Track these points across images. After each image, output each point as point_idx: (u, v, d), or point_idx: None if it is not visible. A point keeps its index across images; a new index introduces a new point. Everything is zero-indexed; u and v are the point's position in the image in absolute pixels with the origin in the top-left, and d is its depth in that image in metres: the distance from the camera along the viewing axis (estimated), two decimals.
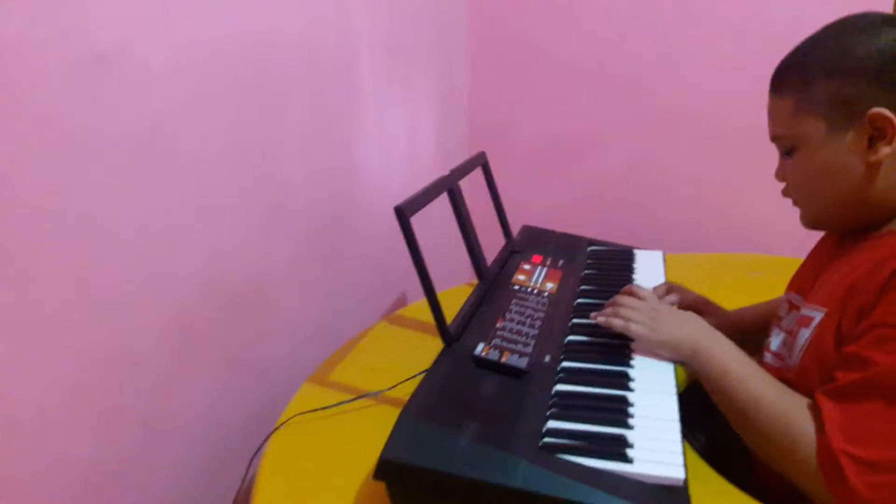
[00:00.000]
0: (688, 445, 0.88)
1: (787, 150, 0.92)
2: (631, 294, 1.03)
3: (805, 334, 0.89)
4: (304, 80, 1.31)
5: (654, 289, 1.16)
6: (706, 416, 0.98)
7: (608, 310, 1.02)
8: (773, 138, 0.94)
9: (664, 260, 1.40)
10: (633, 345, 0.98)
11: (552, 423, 0.81)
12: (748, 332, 1.14)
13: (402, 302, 1.71)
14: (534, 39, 2.09)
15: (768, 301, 1.18)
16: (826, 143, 0.87)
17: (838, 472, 0.73)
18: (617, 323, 0.98)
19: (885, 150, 0.83)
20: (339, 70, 1.44)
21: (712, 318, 1.13)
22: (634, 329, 0.97)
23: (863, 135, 0.84)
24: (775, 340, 0.99)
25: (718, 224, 2.01)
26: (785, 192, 0.96)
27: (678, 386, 0.91)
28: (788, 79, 0.90)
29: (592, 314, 1.03)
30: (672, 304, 1.12)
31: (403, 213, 0.94)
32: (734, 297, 1.24)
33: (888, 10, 1.74)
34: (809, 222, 0.96)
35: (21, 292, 0.81)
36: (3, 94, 0.76)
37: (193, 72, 1.02)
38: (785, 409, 0.82)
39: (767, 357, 1.00)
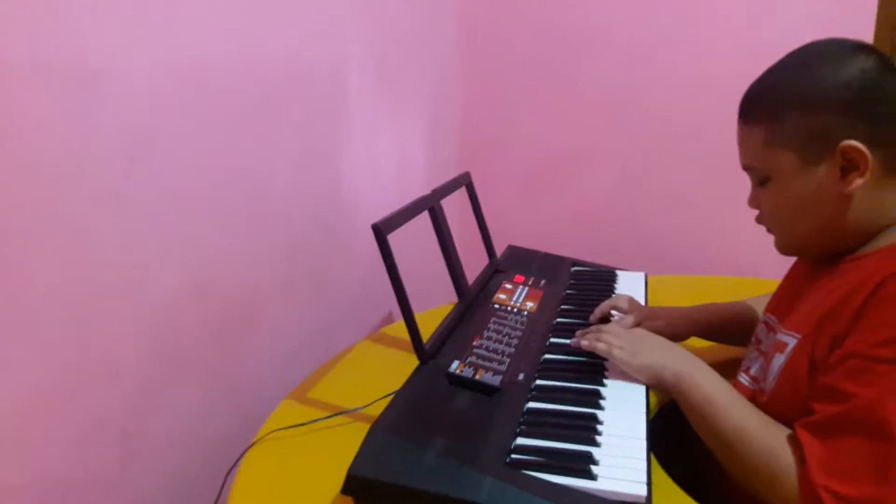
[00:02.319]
0: (661, 469, 0.89)
1: (760, 180, 0.92)
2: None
3: (780, 359, 0.89)
4: (294, 96, 1.33)
5: (601, 306, 1.17)
6: (681, 445, 0.99)
7: (591, 334, 1.03)
8: (746, 168, 0.94)
9: (646, 282, 1.41)
10: (610, 367, 0.99)
11: (520, 440, 0.82)
12: (715, 328, 1.17)
13: (388, 320, 1.72)
14: (524, 60, 2.12)
15: (727, 302, 1.20)
16: (799, 175, 0.87)
17: None
18: (601, 347, 1.00)
19: (858, 182, 0.83)
20: (329, 87, 1.46)
21: (661, 320, 1.14)
22: (617, 354, 0.98)
23: (835, 167, 0.84)
24: (752, 363, 1.00)
25: (706, 246, 2.02)
26: (759, 220, 0.97)
27: (650, 409, 0.92)
28: (758, 110, 0.90)
29: (573, 339, 1.04)
30: (632, 324, 1.13)
31: (381, 231, 0.96)
32: None
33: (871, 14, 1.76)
34: (784, 249, 0.97)
35: (1, 298, 0.82)
36: None
37: (182, 88, 1.05)
38: (768, 442, 0.82)
39: (744, 379, 1.00)
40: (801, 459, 0.77)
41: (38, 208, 0.85)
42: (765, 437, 0.83)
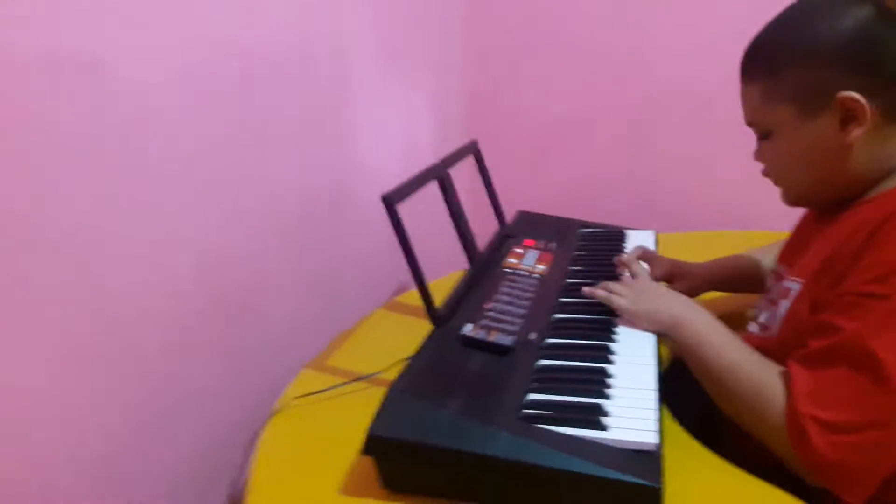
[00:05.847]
0: (673, 420, 0.91)
1: (763, 134, 0.95)
2: (624, 265, 1.13)
3: (784, 305, 0.92)
4: (295, 73, 1.34)
5: (629, 253, 1.21)
6: (694, 397, 1.01)
7: (598, 285, 1.07)
8: (749, 124, 0.97)
9: (656, 240, 1.42)
10: (620, 323, 1.01)
11: (532, 396, 0.84)
12: (724, 281, 1.23)
13: (400, 290, 1.73)
14: (528, 26, 2.11)
15: (731, 255, 1.26)
16: (799, 128, 0.89)
17: (803, 434, 0.76)
18: (600, 294, 1.03)
19: (857, 132, 0.85)
20: (331, 62, 1.46)
21: (686, 280, 1.19)
22: (617, 301, 1.01)
23: (834, 118, 0.85)
24: (761, 312, 1.02)
25: (715, 202, 2.02)
26: (765, 173, 0.99)
27: (661, 363, 0.94)
28: (756, 66, 0.92)
29: (585, 289, 1.07)
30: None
31: (390, 201, 0.97)
32: None
33: None
34: (790, 201, 0.99)
35: (18, 287, 0.84)
36: None
37: (183, 70, 1.05)
38: (758, 376, 0.85)
39: (753, 327, 1.02)
40: (789, 390, 0.80)
41: (47, 200, 0.86)
42: (756, 372, 0.86)
